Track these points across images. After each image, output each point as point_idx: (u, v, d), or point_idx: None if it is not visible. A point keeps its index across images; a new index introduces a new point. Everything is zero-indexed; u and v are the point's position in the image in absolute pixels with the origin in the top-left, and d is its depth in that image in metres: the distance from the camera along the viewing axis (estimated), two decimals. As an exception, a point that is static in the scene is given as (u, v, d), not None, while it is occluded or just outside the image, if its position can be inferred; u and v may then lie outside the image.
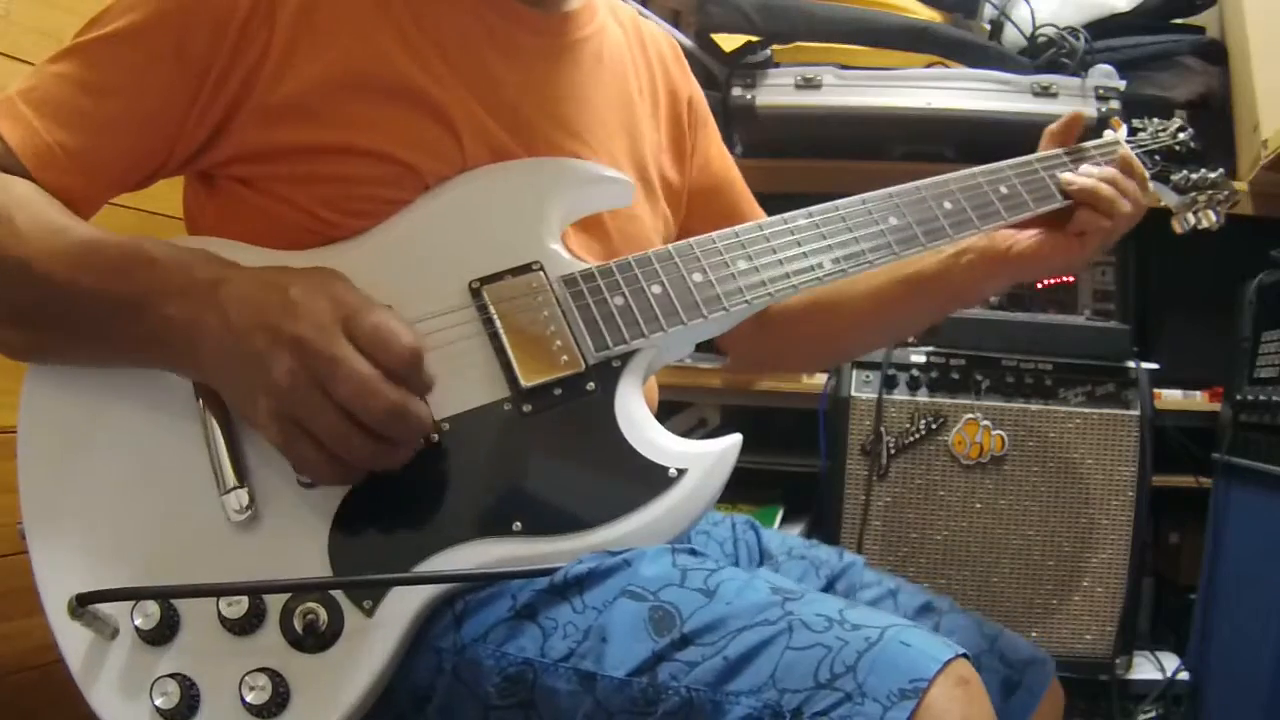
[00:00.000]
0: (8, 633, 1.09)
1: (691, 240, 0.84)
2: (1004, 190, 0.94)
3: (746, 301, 0.83)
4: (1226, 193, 1.06)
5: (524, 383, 0.76)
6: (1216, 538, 1.51)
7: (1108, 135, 1.05)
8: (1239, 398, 1.45)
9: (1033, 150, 0.99)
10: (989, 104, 1.66)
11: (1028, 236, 0.94)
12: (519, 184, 0.83)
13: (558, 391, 0.77)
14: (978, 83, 1.69)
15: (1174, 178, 1.05)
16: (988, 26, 1.90)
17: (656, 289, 0.81)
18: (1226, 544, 1.49)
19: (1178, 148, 1.07)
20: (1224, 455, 1.49)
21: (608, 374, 0.78)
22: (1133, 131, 1.07)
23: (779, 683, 0.62)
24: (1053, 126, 1.01)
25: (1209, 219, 1.06)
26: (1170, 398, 1.65)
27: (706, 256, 0.84)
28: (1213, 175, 1.06)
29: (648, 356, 0.80)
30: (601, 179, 0.87)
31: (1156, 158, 1.05)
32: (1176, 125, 1.09)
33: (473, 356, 0.77)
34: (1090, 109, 1.64)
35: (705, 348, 0.96)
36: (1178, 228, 1.06)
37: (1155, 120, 1.10)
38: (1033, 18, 1.80)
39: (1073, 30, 1.74)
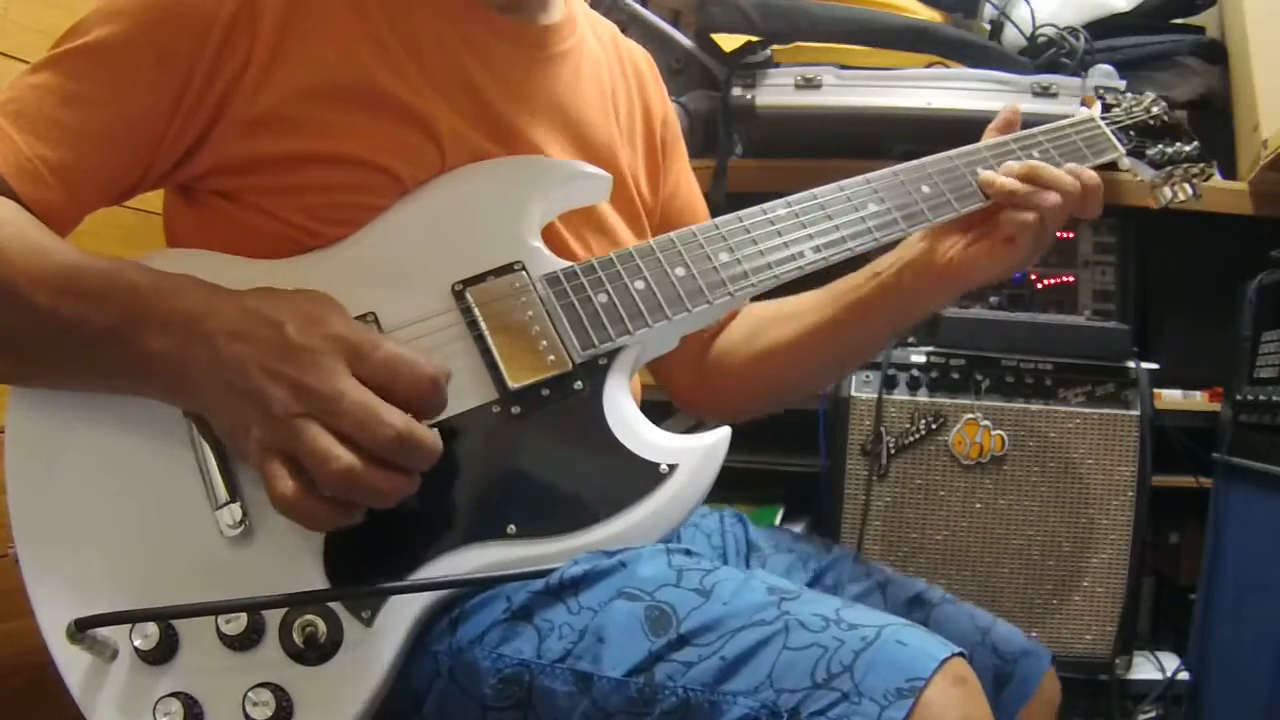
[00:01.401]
0: (8, 633, 1.09)
1: (672, 235, 0.84)
2: (981, 172, 0.93)
3: (730, 294, 0.83)
4: (1202, 165, 1.06)
5: (511, 384, 0.76)
6: (1216, 538, 1.51)
7: (1081, 113, 1.04)
8: (1239, 398, 1.44)
9: None
10: (989, 104, 1.65)
11: (962, 245, 0.92)
12: (495, 183, 0.83)
13: (546, 392, 0.77)
14: (978, 83, 1.68)
15: (1150, 153, 1.04)
16: (988, 26, 1.89)
17: (640, 284, 0.81)
18: (1226, 544, 1.49)
19: (1152, 122, 1.07)
20: (1224, 455, 1.48)
21: (595, 372, 0.78)
22: (1106, 108, 1.06)
23: (776, 682, 0.62)
24: (995, 123, 0.99)
25: (1185, 192, 1.06)
26: (1170, 398, 1.64)
27: (688, 250, 0.83)
28: (1188, 149, 1.06)
29: (634, 353, 0.80)
30: (579, 175, 0.86)
31: (1132, 133, 1.04)
32: (1150, 99, 1.09)
33: (459, 360, 0.76)
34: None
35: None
36: (1154, 203, 1.06)
37: (1129, 95, 1.09)
38: (1033, 18, 1.79)
39: (1073, 30, 1.73)
